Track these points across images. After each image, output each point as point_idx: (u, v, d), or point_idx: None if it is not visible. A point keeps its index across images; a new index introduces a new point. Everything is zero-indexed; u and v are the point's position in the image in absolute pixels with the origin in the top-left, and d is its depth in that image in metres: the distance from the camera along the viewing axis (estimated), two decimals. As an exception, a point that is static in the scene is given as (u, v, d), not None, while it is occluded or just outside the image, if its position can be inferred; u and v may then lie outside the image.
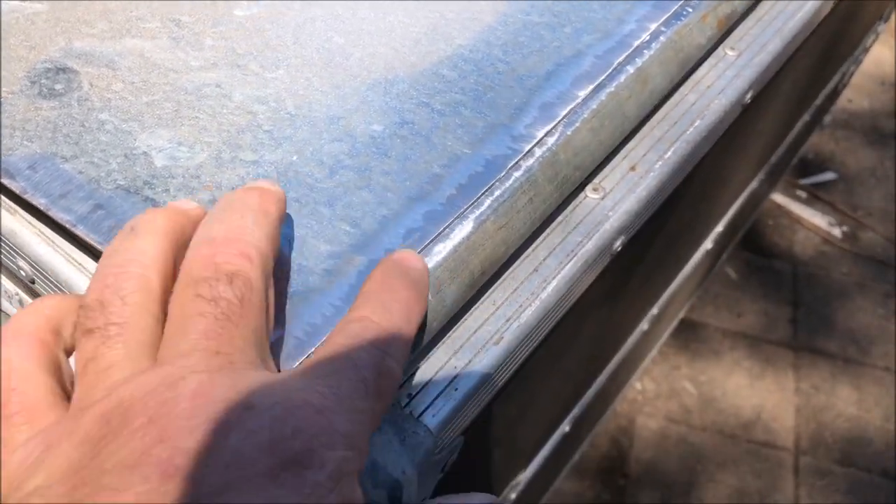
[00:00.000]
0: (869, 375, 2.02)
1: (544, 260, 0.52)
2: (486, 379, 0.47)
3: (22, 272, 0.51)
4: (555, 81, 0.54)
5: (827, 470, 1.87)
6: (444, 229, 0.45)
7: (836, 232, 2.35)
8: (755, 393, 2.00)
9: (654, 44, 0.58)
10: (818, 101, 1.59)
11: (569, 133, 0.51)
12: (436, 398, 0.45)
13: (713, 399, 1.98)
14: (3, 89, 0.50)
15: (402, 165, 0.48)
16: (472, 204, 0.47)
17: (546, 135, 0.51)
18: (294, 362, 0.39)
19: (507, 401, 0.63)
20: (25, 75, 0.51)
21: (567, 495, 1.80)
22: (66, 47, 0.53)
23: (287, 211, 0.45)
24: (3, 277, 0.55)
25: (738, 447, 1.90)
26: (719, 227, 1.34)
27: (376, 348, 0.34)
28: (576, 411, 1.12)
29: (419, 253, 0.44)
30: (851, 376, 2.02)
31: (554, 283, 0.51)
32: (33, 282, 0.51)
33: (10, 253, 0.51)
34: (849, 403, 1.98)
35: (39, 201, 0.45)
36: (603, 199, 0.56)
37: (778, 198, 2.42)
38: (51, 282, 0.49)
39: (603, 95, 0.54)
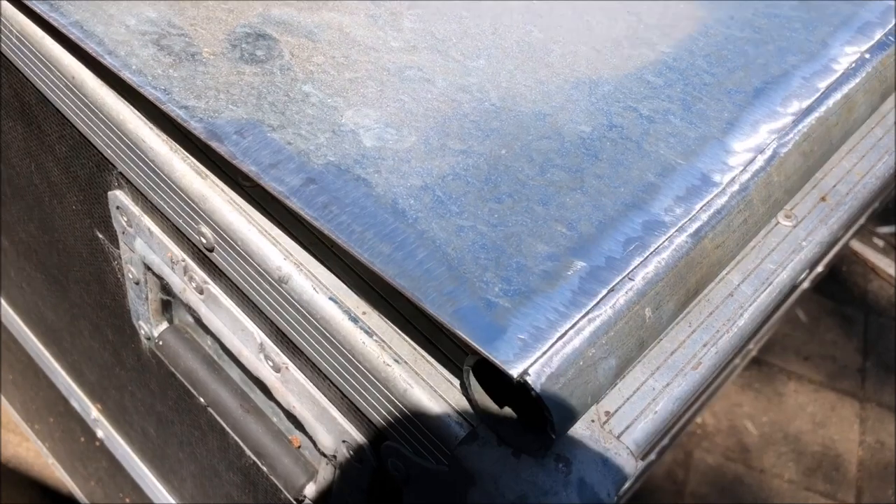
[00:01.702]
0: (938, 436, 1.95)
1: (739, 285, 0.49)
2: (683, 403, 0.44)
3: (203, 239, 0.49)
4: (764, 99, 0.51)
5: (887, 528, 1.80)
6: (664, 241, 0.43)
7: (912, 284, 2.28)
8: (817, 440, 1.94)
9: (860, 71, 0.55)
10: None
11: (781, 154, 0.49)
12: (635, 419, 0.43)
13: (774, 442, 1.93)
14: (205, 49, 0.49)
15: (614, 170, 0.46)
16: (691, 218, 0.44)
17: (759, 154, 0.48)
18: (522, 365, 0.37)
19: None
20: (226, 37, 0.50)
21: (617, 522, 1.76)
22: (263, 13, 0.52)
23: (498, 205, 0.43)
24: (173, 242, 0.54)
25: (796, 495, 1.85)
26: (820, 268, 1.30)
27: None
28: (665, 441, 1.08)
29: (639, 264, 0.42)
30: (919, 435, 1.95)
31: (750, 310, 0.48)
32: (212, 250, 0.50)
33: (192, 217, 0.49)
34: (915, 462, 1.91)
35: (250, 168, 0.43)
36: (795, 227, 0.53)
37: (854, 244, 2.36)
38: (235, 251, 0.47)
39: (813, 119, 0.51)
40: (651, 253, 0.42)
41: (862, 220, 1.47)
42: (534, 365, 0.37)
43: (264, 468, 0.60)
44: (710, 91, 0.51)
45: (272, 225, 0.47)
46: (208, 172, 0.48)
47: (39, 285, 0.86)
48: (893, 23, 0.59)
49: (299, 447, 0.58)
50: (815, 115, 0.52)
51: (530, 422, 0.39)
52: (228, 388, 0.60)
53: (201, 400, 0.63)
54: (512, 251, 0.41)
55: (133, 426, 0.89)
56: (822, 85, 0.54)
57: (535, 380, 0.36)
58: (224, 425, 0.63)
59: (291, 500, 0.60)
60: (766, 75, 0.53)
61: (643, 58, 0.53)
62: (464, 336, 0.37)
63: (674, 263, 0.42)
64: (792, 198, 0.51)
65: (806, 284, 1.33)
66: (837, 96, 0.53)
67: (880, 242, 2.43)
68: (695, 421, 1.95)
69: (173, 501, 0.91)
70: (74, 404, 1.01)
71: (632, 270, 0.41)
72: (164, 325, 0.64)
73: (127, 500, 1.08)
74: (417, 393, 0.42)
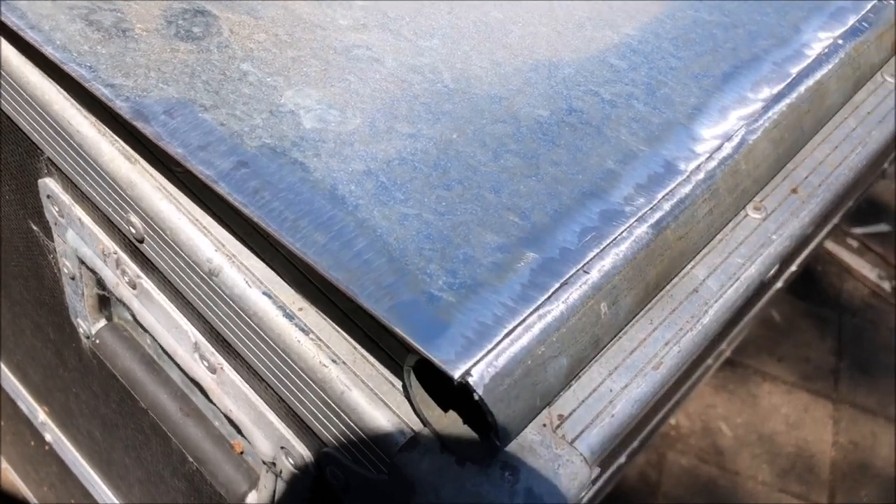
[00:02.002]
0: (911, 437, 1.95)
1: (704, 280, 0.47)
2: (643, 405, 0.42)
3: (132, 229, 0.46)
4: (733, 84, 0.49)
5: (860, 530, 1.80)
6: (623, 232, 0.40)
7: (886, 285, 2.28)
8: (791, 442, 1.93)
9: (832, 58, 0.53)
10: (899, 149, 1.54)
11: (750, 142, 0.46)
12: (590, 423, 0.40)
13: (748, 443, 1.92)
14: (138, 25, 0.46)
15: (572, 156, 0.43)
16: (652, 207, 0.41)
17: (727, 141, 0.46)
18: (464, 365, 0.34)
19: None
20: (161, 13, 0.47)
21: (590, 525, 1.74)
22: (202, -11, 0.49)
23: (446, 193, 0.40)
24: (104, 233, 0.50)
25: (770, 496, 1.83)
26: (794, 267, 1.28)
27: None
28: (635, 444, 1.06)
29: (594, 256, 0.39)
30: (892, 436, 1.95)
31: (715, 307, 0.46)
32: (142, 241, 0.46)
33: (122, 206, 0.46)
34: (888, 464, 1.91)
35: (176, 151, 0.40)
36: (765, 219, 0.50)
37: (828, 244, 2.36)
38: (165, 242, 0.44)
39: (784, 106, 0.49)
40: (608, 244, 0.39)
41: (836, 220, 1.46)
42: (477, 365, 0.34)
43: (206, 475, 0.57)
44: (676, 75, 0.49)
45: (204, 213, 0.43)
46: (138, 157, 0.45)
47: (-20, 281, 0.82)
48: (867, 9, 0.57)
49: (241, 453, 0.55)
50: (787, 101, 0.49)
51: (475, 427, 0.36)
52: (168, 390, 0.57)
53: (141, 402, 0.60)
54: (459, 241, 0.38)
55: (80, 430, 0.85)
56: (794, 70, 0.51)
57: (477, 381, 0.33)
58: (165, 429, 0.60)
59: (236, 508, 0.57)
60: (735, 60, 0.51)
61: (606, 40, 0.50)
62: (401, 333, 0.34)
63: (632, 255, 0.39)
64: (761, 188, 0.49)
65: (779, 284, 1.32)
66: (810, 82, 0.51)
67: (854, 243, 2.43)
68: (668, 422, 1.94)
69: (123, 508, 0.87)
70: (22, 406, 0.97)
71: (587, 262, 0.38)
72: (103, 322, 0.61)
73: (79, 506, 1.03)
74: (356, 396, 0.38)
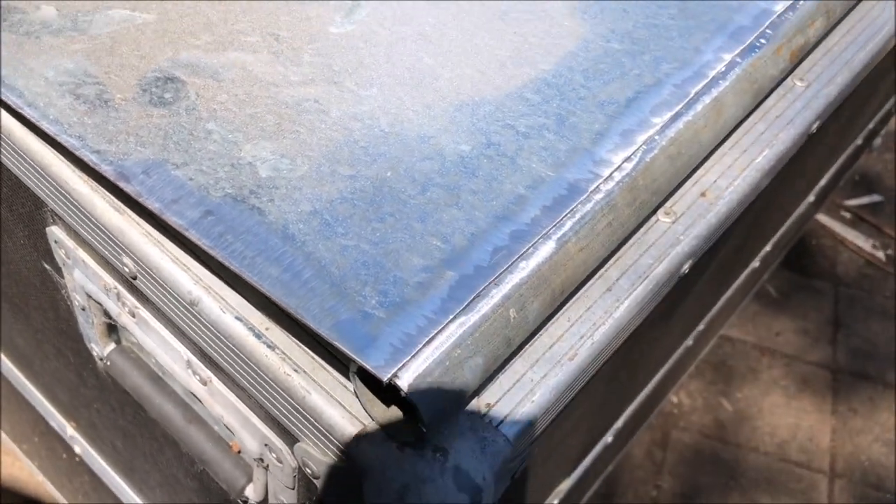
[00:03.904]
0: (909, 401, 2.00)
1: (617, 280, 0.54)
2: (560, 392, 0.49)
3: (126, 268, 0.54)
4: (635, 109, 0.56)
5: (861, 494, 1.86)
6: (529, 248, 0.48)
7: (880, 255, 2.33)
8: (791, 412, 1.99)
9: (729, 75, 0.60)
10: (871, 125, 1.59)
11: (647, 160, 0.53)
12: (513, 409, 0.48)
13: (749, 417, 1.98)
14: (117, 95, 0.54)
15: (488, 185, 0.50)
16: (555, 225, 0.49)
17: (625, 161, 0.53)
18: (392, 369, 0.41)
19: (566, 413, 0.65)
20: (137, 83, 0.55)
21: (599, 504, 1.81)
22: (173, 58, 0.57)
23: (380, 225, 0.48)
24: (104, 272, 0.59)
25: (773, 466, 1.90)
26: (767, 248, 1.35)
27: None
28: (619, 423, 1.13)
29: (504, 270, 0.46)
30: (891, 401, 2.01)
31: (626, 303, 0.53)
32: (135, 278, 0.54)
33: (115, 250, 0.54)
34: (887, 428, 1.96)
35: (154, 205, 0.48)
36: (674, 223, 0.58)
37: (822, 218, 2.41)
38: (153, 278, 0.52)
39: (680, 124, 0.56)
40: (516, 259, 0.47)
41: (812, 193, 1.51)
42: (402, 368, 0.42)
43: (211, 474, 0.65)
44: (584, 104, 0.56)
45: (184, 253, 0.51)
46: (125, 208, 0.53)
47: (7, 314, 0.91)
48: (765, 25, 0.64)
49: (239, 452, 0.63)
50: (683, 119, 0.56)
51: (410, 417, 0.44)
52: (172, 401, 0.65)
53: (151, 414, 0.68)
54: (391, 266, 0.46)
55: (104, 441, 0.94)
56: (693, 91, 0.58)
57: (403, 381, 0.41)
58: (173, 436, 0.68)
59: (238, 501, 0.65)
60: (639, 85, 0.58)
61: (524, 77, 0.58)
62: (340, 346, 0.42)
63: (538, 268, 0.47)
64: (662, 198, 0.56)
65: (756, 264, 1.38)
66: (706, 100, 0.58)
67: (847, 215, 2.48)
68: (670, 401, 2.00)
69: (149, 510, 0.96)
70: (52, 423, 1.06)
71: (497, 276, 0.46)
72: (112, 345, 0.69)
73: (110, 512, 1.13)
74: (315, 398, 0.46)
